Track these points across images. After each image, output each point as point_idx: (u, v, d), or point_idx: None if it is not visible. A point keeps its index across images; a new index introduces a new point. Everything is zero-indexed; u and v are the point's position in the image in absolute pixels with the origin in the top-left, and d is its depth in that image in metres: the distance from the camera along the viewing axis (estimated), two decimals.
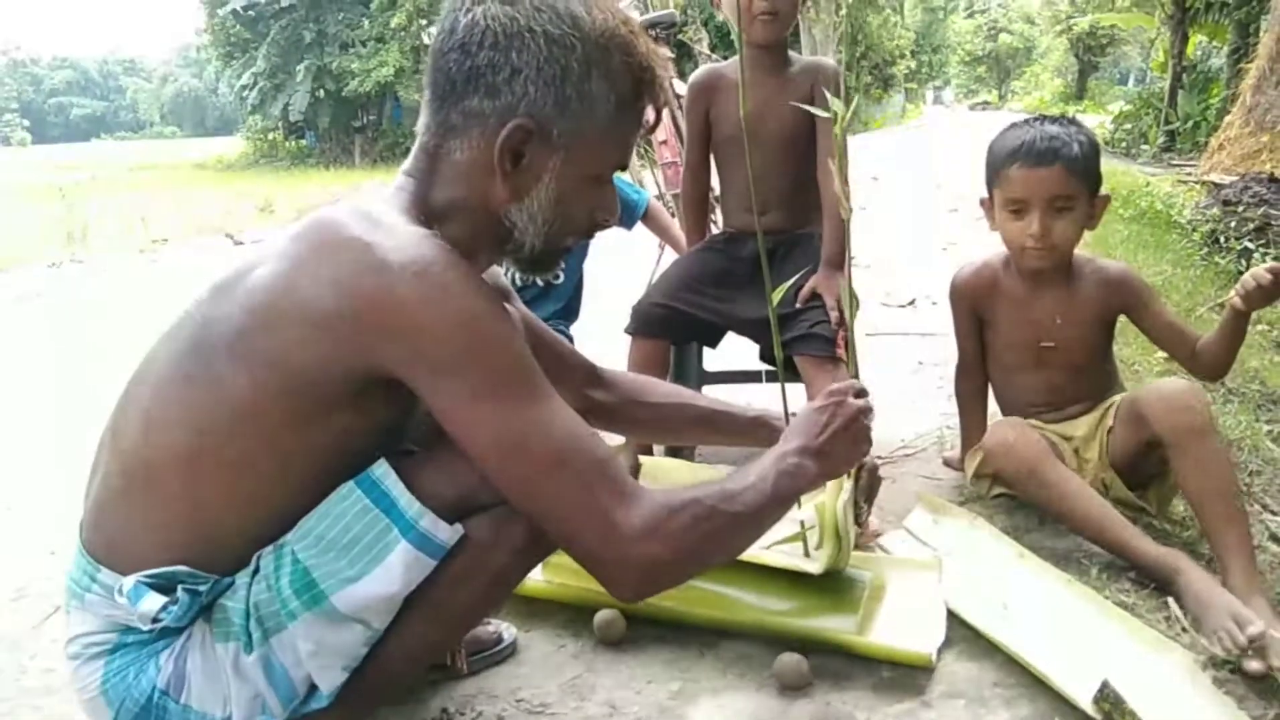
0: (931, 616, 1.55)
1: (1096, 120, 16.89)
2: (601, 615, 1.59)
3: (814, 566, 1.52)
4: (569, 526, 1.08)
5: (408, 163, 1.19)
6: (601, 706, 1.43)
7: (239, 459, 1.08)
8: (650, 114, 1.20)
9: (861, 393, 1.31)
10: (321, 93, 23.98)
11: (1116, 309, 1.96)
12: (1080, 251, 2.01)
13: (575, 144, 1.13)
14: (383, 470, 1.11)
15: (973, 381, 2.15)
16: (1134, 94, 16.86)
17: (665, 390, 1.67)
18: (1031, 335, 1.99)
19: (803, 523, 1.54)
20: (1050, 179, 1.85)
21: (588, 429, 1.10)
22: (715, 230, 2.61)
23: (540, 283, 2.51)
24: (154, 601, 1.06)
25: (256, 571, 1.10)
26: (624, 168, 1.25)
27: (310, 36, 23.87)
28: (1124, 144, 13.29)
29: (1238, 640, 1.39)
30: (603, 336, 2.59)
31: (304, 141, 26.42)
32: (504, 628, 1.59)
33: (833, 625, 1.51)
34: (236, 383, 1.06)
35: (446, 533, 1.12)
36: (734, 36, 1.56)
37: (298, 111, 23.81)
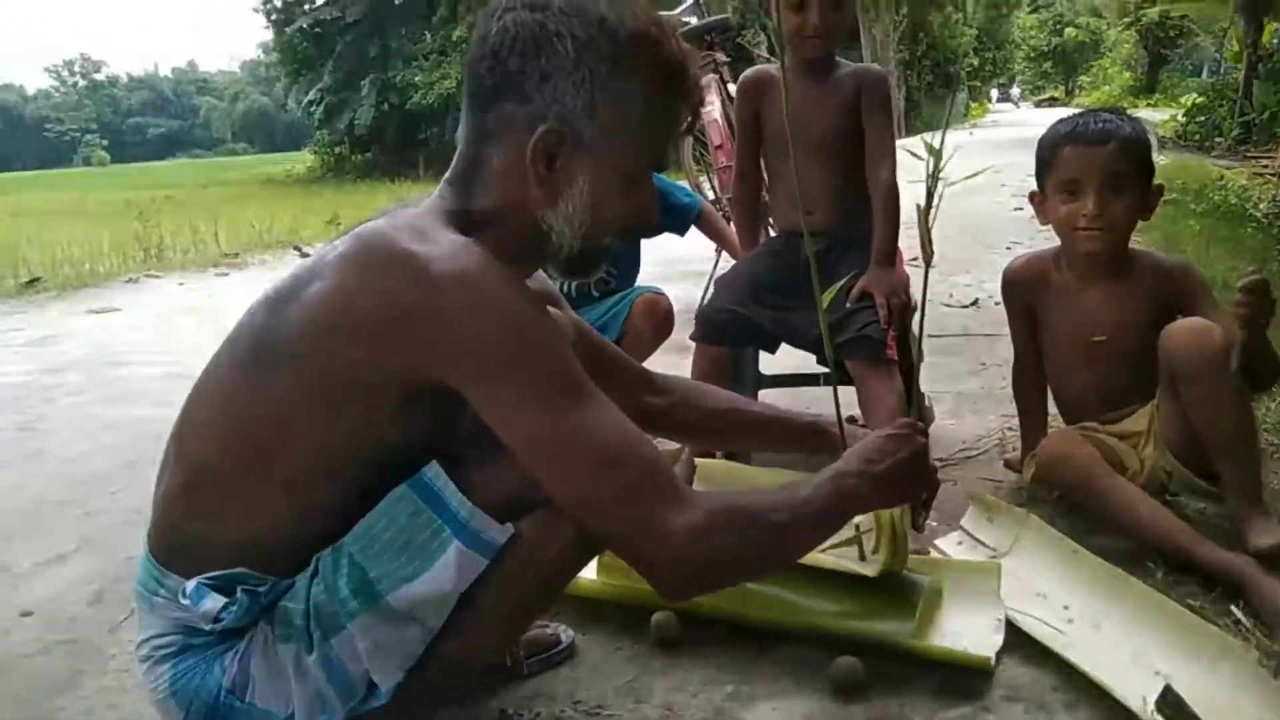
0: (991, 620, 1.53)
1: (1168, 114, 16.45)
2: (658, 617, 1.60)
3: (870, 570, 1.51)
4: (615, 527, 1.09)
5: (450, 172, 1.21)
6: (658, 709, 1.44)
7: (295, 467, 1.12)
8: (685, 115, 1.20)
9: (924, 431, 1.31)
10: (386, 106, 24.38)
11: (1171, 304, 1.91)
12: (1138, 246, 1.98)
13: (608, 146, 1.14)
14: (434, 472, 1.13)
15: (1030, 380, 2.13)
16: (1207, 85, 16.37)
17: (720, 396, 1.68)
18: (1083, 330, 1.96)
19: (858, 526, 1.53)
20: (1106, 156, 1.85)
21: (636, 431, 1.11)
22: (770, 234, 2.62)
23: (596, 292, 2.54)
24: (215, 602, 1.10)
25: (316, 574, 1.14)
26: (662, 168, 1.25)
27: (374, 51, 24.32)
28: (1197, 137, 12.94)
29: None
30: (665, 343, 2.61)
31: (370, 155, 26.91)
32: (561, 630, 1.60)
33: (890, 628, 1.50)
34: (291, 394, 1.09)
35: (498, 532, 1.14)
36: (778, 48, 1.57)
37: (363, 125, 24.24)
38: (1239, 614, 1.53)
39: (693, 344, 2.22)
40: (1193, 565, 1.68)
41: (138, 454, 2.74)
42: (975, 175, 1.52)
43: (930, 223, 1.28)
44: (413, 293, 1.04)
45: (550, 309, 1.24)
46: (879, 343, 2.02)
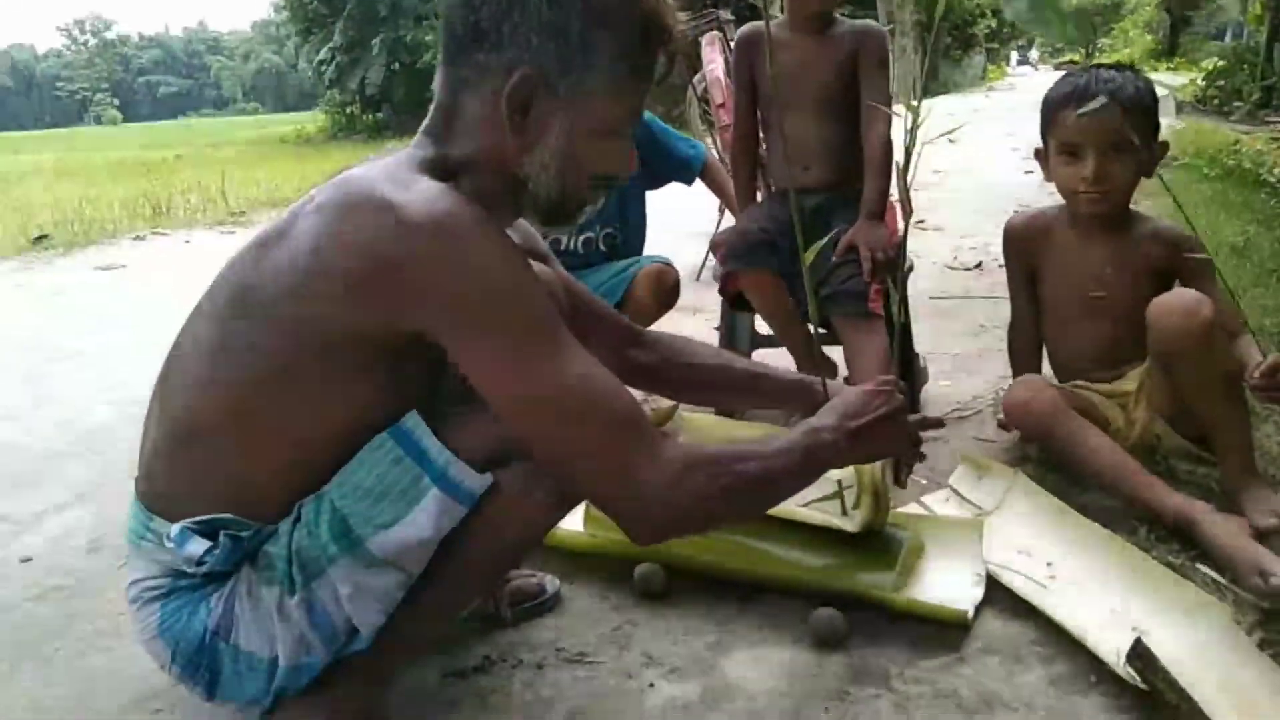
0: (970, 575, 1.54)
1: (1188, 78, 16.23)
2: (642, 569, 1.62)
3: (851, 525, 1.52)
4: (587, 477, 1.11)
5: (426, 122, 1.21)
6: (639, 656, 1.46)
7: (279, 417, 1.13)
8: (662, 66, 1.19)
9: (904, 390, 1.31)
10: (397, 65, 24.23)
11: (1170, 269, 1.91)
12: (1143, 209, 1.97)
13: (582, 96, 1.13)
14: (414, 421, 1.14)
15: (1025, 336, 2.13)
16: (1228, 49, 16.10)
17: (707, 351, 1.67)
18: (1081, 285, 1.96)
19: (840, 481, 1.54)
20: (1107, 120, 1.80)
21: (611, 382, 1.11)
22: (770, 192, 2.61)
23: (604, 247, 2.51)
24: (198, 545, 1.13)
25: (298, 519, 1.15)
26: (638, 118, 1.24)
27: (385, 10, 24.12)
28: (1216, 101, 12.72)
29: (1264, 591, 1.43)
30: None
31: (381, 114, 26.78)
32: (547, 579, 1.62)
33: (869, 581, 1.52)
34: (275, 346, 1.10)
35: (476, 480, 1.15)
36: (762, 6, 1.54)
37: (374, 85, 24.10)
38: (1211, 572, 1.54)
39: (694, 307, 2.22)
40: (1147, 510, 1.72)
41: (140, 408, 2.76)
42: (951, 132, 1.52)
43: (909, 181, 1.27)
44: (388, 240, 1.04)
45: (533, 263, 1.24)
46: (861, 296, 2.02)
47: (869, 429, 1.24)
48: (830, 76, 2.17)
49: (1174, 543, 1.65)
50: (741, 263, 2.19)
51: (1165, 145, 1.91)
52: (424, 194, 1.07)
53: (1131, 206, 1.99)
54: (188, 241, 6.58)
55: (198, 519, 1.13)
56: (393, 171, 1.12)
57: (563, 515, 1.28)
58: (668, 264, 2.43)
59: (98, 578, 1.81)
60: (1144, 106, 1.86)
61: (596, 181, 1.22)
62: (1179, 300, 1.73)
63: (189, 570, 1.15)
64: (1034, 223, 2.07)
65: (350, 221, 1.07)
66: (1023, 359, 2.13)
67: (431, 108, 1.21)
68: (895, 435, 1.30)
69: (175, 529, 1.13)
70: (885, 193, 2.13)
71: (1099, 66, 1.92)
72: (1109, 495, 1.80)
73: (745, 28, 2.34)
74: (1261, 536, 1.59)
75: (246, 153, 17.13)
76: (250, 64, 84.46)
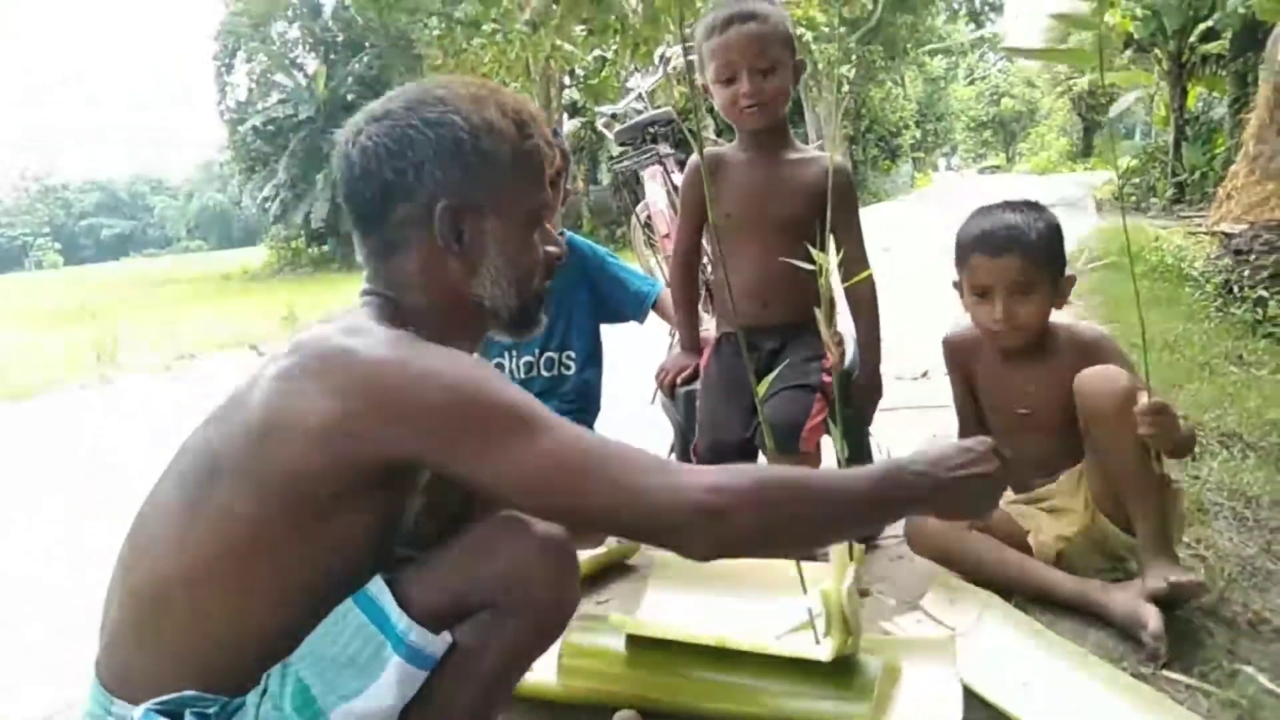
0: (947, 697, 1.54)
1: (1104, 176, 16.98)
2: (619, 716, 1.59)
3: (823, 654, 1.52)
4: (630, 516, 1.11)
5: (365, 285, 1.27)
6: None
7: (241, 578, 1.12)
8: (546, 149, 1.28)
9: (1004, 456, 1.27)
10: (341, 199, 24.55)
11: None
12: (1057, 320, 2.02)
13: (498, 200, 1.23)
14: (378, 587, 1.14)
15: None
16: (1139, 148, 16.96)
17: None
18: (1009, 402, 2.03)
19: (810, 610, 1.54)
20: (1009, 267, 1.91)
21: (605, 439, 1.16)
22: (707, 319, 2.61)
23: (546, 373, 2.52)
24: None
25: (265, 691, 1.13)
26: (547, 206, 1.32)
27: (328, 146, 24.25)
28: (1133, 198, 13.34)
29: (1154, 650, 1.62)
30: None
31: (326, 248, 26.94)
32: None
33: (847, 711, 1.50)
34: (239, 503, 1.10)
35: (436, 644, 1.15)
36: (694, 141, 1.59)
37: (319, 219, 24.30)
38: (1182, 677, 1.57)
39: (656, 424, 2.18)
40: (1050, 597, 1.85)
41: (88, 573, 2.69)
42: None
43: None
44: (359, 382, 1.09)
45: None
46: (795, 428, 1.99)
47: (961, 483, 1.21)
48: (792, 205, 2.10)
49: (1142, 651, 1.66)
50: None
51: (1073, 279, 1.98)
52: (381, 336, 1.14)
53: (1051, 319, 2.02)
54: (134, 388, 6.50)
55: (162, 700, 1.10)
56: (347, 325, 1.17)
57: (527, 666, 1.26)
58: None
59: None
60: (1048, 247, 1.92)
61: (542, 271, 1.30)
62: (1101, 371, 1.81)
63: None
64: (967, 339, 2.12)
65: (315, 372, 1.10)
66: None
67: (365, 276, 1.27)
68: (984, 497, 1.27)
69: (138, 713, 1.09)
70: (879, 346, 2.21)
71: (1005, 205, 1.97)
72: (1020, 594, 1.87)
73: (696, 158, 2.21)
74: (1156, 600, 1.69)
75: (192, 291, 17.09)
76: (194, 202, 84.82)
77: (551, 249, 1.33)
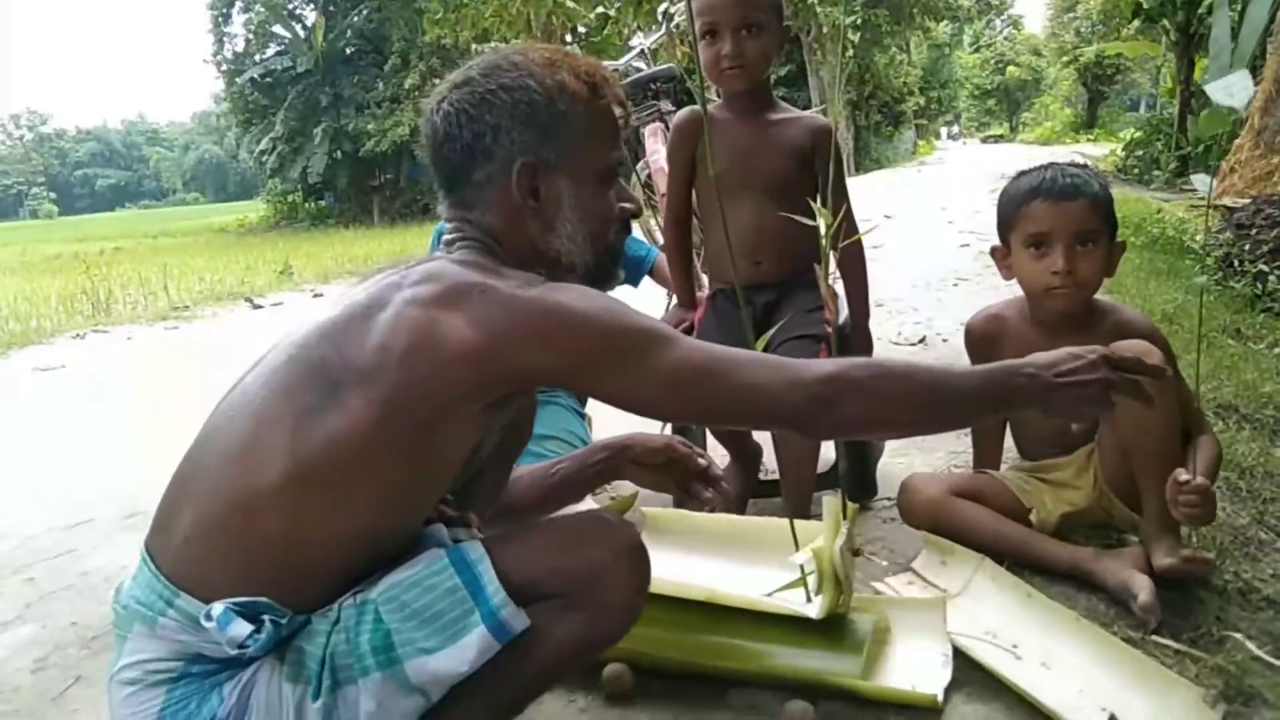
0: (937, 657, 1.55)
1: (1107, 148, 16.90)
2: (609, 670, 1.59)
3: (814, 611, 1.53)
4: (754, 408, 1.20)
5: (458, 238, 1.32)
6: None
7: (341, 487, 1.14)
8: (619, 110, 1.35)
9: (1126, 368, 1.27)
10: (339, 154, 24.41)
11: None
12: (1104, 298, 1.96)
13: (572, 158, 1.29)
14: (478, 554, 1.17)
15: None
16: (1144, 120, 16.89)
17: (530, 473, 1.68)
18: None
19: (803, 567, 1.54)
20: (1077, 211, 1.83)
21: (723, 347, 1.22)
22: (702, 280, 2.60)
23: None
24: (242, 628, 1.08)
25: (337, 621, 1.14)
26: (622, 163, 1.37)
27: (326, 100, 24.37)
28: (1136, 171, 13.31)
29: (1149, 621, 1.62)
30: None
31: (323, 202, 26.82)
32: None
33: (837, 669, 1.51)
34: (363, 412, 1.12)
35: (521, 623, 1.16)
36: (701, 89, 1.58)
37: (316, 173, 24.23)
38: (1171, 642, 1.58)
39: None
40: (1042, 565, 1.83)
41: (81, 515, 2.70)
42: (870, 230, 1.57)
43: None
44: (498, 316, 1.15)
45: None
46: None
47: (1068, 387, 1.23)
48: (781, 163, 2.11)
49: (1134, 617, 1.67)
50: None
51: (1124, 245, 1.90)
52: (519, 277, 1.21)
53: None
54: (129, 339, 6.48)
55: (239, 600, 1.10)
56: (479, 264, 1.24)
57: (584, 663, 1.30)
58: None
59: (44, 699, 1.74)
60: (1107, 204, 1.86)
61: (616, 226, 1.37)
62: (1135, 345, 1.69)
63: (229, 651, 1.10)
64: (992, 323, 2.04)
65: (455, 308, 1.15)
66: (986, 440, 2.14)
67: (456, 239, 1.32)
68: (1092, 401, 1.26)
69: (218, 608, 1.08)
70: (867, 301, 2.20)
71: (1057, 164, 1.92)
72: (1015, 560, 1.85)
73: (684, 112, 2.28)
74: (1156, 577, 1.68)
75: (187, 244, 17.02)
76: (190, 154, 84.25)
77: (627, 205, 1.39)
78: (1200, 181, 1.66)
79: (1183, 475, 1.63)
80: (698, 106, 2.22)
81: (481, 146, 1.27)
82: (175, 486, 1.20)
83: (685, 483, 1.62)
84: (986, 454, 2.15)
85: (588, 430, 2.43)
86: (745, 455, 2.32)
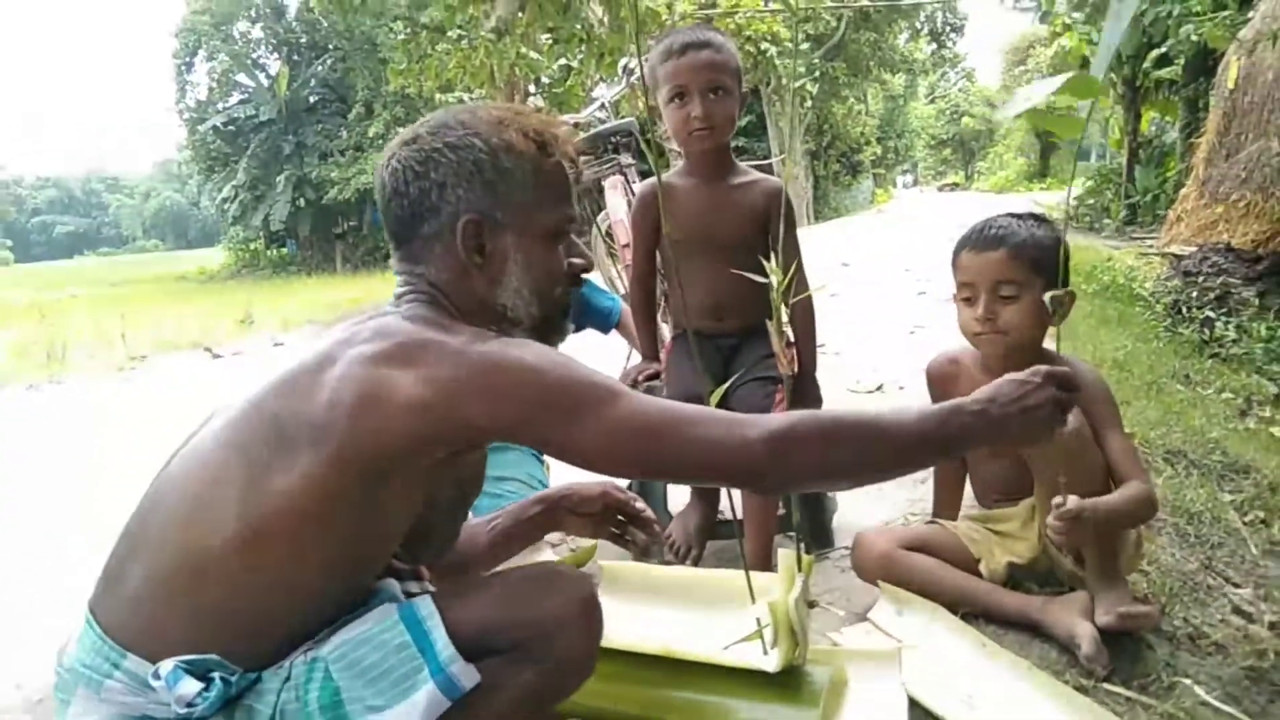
0: (893, 708, 1.55)
1: (1060, 196, 17.28)
2: None
3: (770, 664, 1.53)
4: (704, 465, 1.20)
5: (408, 291, 1.33)
6: None
7: (293, 544, 1.14)
8: (572, 167, 1.36)
9: (1068, 386, 1.30)
10: (302, 201, 24.36)
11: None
12: (1058, 350, 1.98)
13: (518, 216, 1.32)
14: (428, 609, 1.17)
15: (948, 468, 2.15)
16: (1094, 170, 17.30)
17: (469, 526, 1.69)
18: None
19: (758, 620, 1.55)
20: (996, 261, 1.87)
21: (673, 403, 1.24)
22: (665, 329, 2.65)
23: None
24: (191, 686, 1.08)
25: (288, 677, 1.13)
26: (572, 221, 1.39)
27: (289, 148, 24.39)
28: (1087, 219, 13.59)
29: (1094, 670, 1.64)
30: None
31: (285, 250, 26.70)
32: None
33: None
34: (315, 469, 1.13)
35: (471, 679, 1.16)
36: (651, 159, 1.60)
37: (279, 221, 24.15)
38: (1121, 689, 1.59)
39: None
40: (992, 615, 1.85)
41: (27, 567, 2.64)
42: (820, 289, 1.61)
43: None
44: (448, 371, 1.16)
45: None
46: (763, 414, 2.03)
47: (1015, 416, 1.25)
48: (739, 227, 2.20)
49: (1080, 666, 1.69)
50: None
51: (1072, 295, 1.82)
52: (469, 332, 1.23)
53: (1047, 345, 1.96)
54: (84, 389, 6.38)
55: (188, 658, 1.09)
56: (428, 319, 1.26)
57: (528, 713, 1.25)
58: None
59: None
60: (1038, 251, 1.87)
61: (564, 284, 1.38)
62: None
63: (164, 715, 1.09)
64: (949, 366, 2.09)
65: (405, 363, 1.16)
66: (947, 483, 2.16)
67: (406, 290, 1.33)
68: (1041, 425, 1.28)
69: (167, 666, 1.08)
70: (814, 353, 2.26)
71: (1005, 214, 1.96)
72: (967, 610, 1.86)
73: (646, 184, 2.35)
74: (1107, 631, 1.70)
75: (147, 291, 16.83)
76: (151, 201, 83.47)
77: (577, 260, 1.41)
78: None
79: (1057, 499, 1.69)
80: (654, 180, 2.32)
81: (428, 203, 1.30)
82: (123, 544, 1.19)
83: (621, 528, 1.65)
84: (945, 501, 2.17)
85: (545, 473, 2.44)
86: (705, 493, 2.36)
